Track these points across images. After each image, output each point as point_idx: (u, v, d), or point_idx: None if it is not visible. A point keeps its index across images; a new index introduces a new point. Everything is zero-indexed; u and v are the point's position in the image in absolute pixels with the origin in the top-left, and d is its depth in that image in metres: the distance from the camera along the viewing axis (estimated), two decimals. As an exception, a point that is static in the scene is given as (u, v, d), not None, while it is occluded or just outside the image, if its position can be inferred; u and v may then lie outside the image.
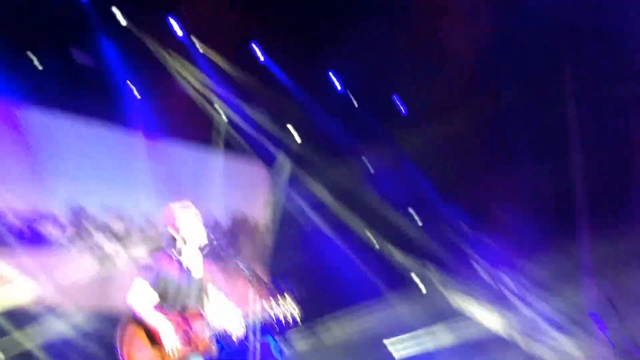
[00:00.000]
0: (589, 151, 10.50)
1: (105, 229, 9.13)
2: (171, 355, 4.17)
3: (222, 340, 4.47)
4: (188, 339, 4.26)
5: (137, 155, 9.27)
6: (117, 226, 9.27)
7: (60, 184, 8.52)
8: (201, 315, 4.38)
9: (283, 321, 4.58)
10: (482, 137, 10.42)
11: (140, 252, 9.19)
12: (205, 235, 4.49)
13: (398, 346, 10.51)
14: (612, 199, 10.34)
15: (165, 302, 4.29)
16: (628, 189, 10.27)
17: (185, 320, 4.30)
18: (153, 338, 4.21)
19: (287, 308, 4.51)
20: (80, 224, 8.87)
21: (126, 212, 9.28)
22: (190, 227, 4.43)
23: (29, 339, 7.43)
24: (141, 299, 4.23)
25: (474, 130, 10.11)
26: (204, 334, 4.31)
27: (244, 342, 7.08)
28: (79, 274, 8.41)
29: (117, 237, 9.25)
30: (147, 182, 9.19)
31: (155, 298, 4.27)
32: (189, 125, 9.77)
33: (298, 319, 4.53)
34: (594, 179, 10.39)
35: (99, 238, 9.03)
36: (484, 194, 11.21)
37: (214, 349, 4.35)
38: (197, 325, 4.32)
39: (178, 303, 4.32)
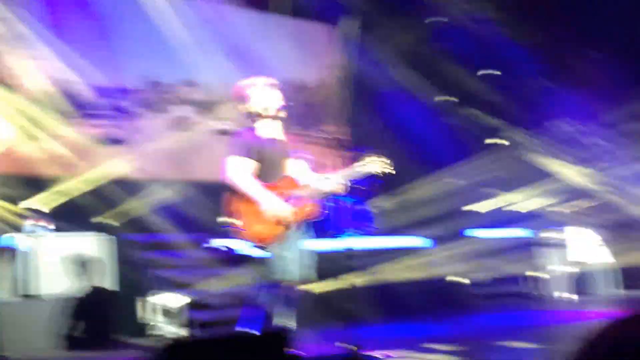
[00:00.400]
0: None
1: (185, 100, 9.28)
2: (290, 218, 4.24)
3: (320, 202, 4.46)
4: (296, 204, 4.29)
5: (205, 24, 9.10)
6: (196, 96, 9.39)
7: (135, 59, 8.64)
8: (295, 182, 4.41)
9: (375, 176, 4.56)
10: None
11: (222, 121, 9.22)
12: (281, 100, 4.46)
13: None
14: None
15: (260, 174, 4.32)
16: None
17: (282, 190, 4.32)
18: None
19: (376, 165, 4.47)
20: (159, 96, 9.08)
21: (201, 82, 9.31)
22: (263, 100, 4.42)
23: (136, 208, 7.84)
24: (241, 172, 4.26)
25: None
26: (303, 201, 4.33)
27: (336, 205, 7.36)
28: (166, 144, 8.69)
29: (197, 107, 9.36)
30: (218, 50, 9.06)
31: (252, 167, 4.30)
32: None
33: (390, 171, 4.49)
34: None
35: (180, 109, 9.20)
36: (559, 44, 10.82)
37: (318, 211, 4.39)
38: (295, 193, 4.34)
39: (271, 173, 4.34)
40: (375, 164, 4.48)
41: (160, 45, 8.72)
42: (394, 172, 4.54)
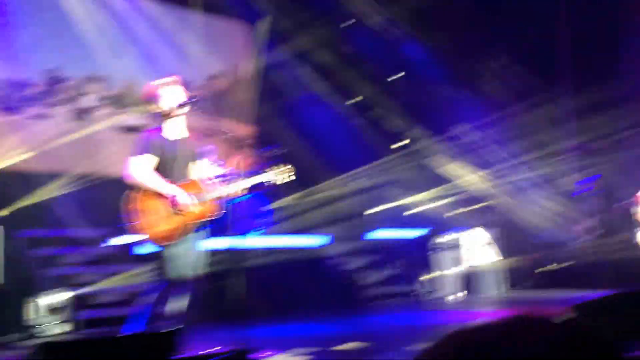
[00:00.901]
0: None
1: (88, 94, 9.09)
2: (195, 210, 4.29)
3: (220, 203, 4.53)
4: (196, 204, 4.33)
5: (116, 18, 9.04)
6: (100, 90, 9.23)
7: (38, 52, 8.40)
8: (195, 182, 4.45)
9: (273, 183, 4.69)
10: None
11: (128, 116, 9.16)
12: (188, 102, 4.49)
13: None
14: (597, 49, 10.48)
15: (165, 175, 4.35)
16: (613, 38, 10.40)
17: (187, 192, 4.35)
18: (165, 207, 4.29)
19: (279, 175, 4.58)
20: (62, 89, 8.82)
21: (108, 76, 9.16)
22: (172, 99, 4.45)
23: (26, 200, 7.61)
24: (142, 169, 4.31)
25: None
26: (204, 199, 4.37)
27: (236, 205, 7.37)
28: (65, 138, 8.45)
29: (102, 101, 9.20)
30: (128, 46, 9.02)
31: (155, 163, 4.35)
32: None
33: (290, 178, 4.62)
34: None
35: (83, 103, 9.02)
36: (463, 52, 11.26)
37: (217, 212, 4.44)
38: (199, 195, 4.38)
39: (176, 175, 4.38)
40: (278, 175, 4.58)
41: (66, 38, 8.54)
42: (294, 178, 4.62)
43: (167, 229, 4.27)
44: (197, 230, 4.44)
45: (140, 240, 4.49)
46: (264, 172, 4.63)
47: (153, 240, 4.31)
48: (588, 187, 9.67)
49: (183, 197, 4.28)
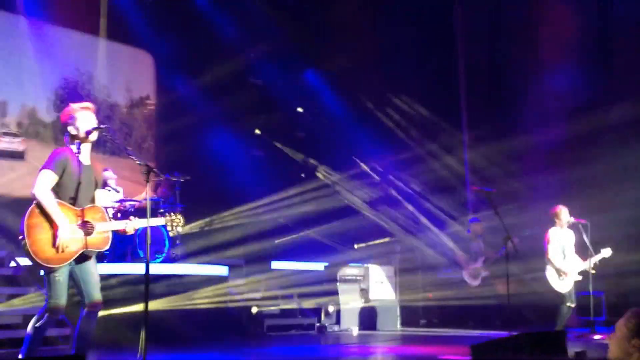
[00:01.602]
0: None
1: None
2: (59, 250, 4.32)
3: (116, 231, 4.67)
4: (87, 232, 4.41)
5: (21, 42, 9.07)
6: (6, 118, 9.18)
7: None
8: (98, 209, 4.55)
9: (170, 231, 4.91)
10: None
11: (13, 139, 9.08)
12: (99, 127, 4.65)
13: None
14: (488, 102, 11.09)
15: (65, 194, 4.45)
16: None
17: (83, 214, 4.45)
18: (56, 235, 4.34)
19: (168, 220, 4.79)
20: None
21: (10, 99, 9.16)
22: (88, 125, 4.58)
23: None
24: (45, 186, 4.38)
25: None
26: (101, 228, 4.48)
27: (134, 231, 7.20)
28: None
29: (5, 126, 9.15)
30: (32, 69, 9.07)
31: (56, 180, 4.43)
32: (75, 10, 9.63)
33: (179, 229, 4.82)
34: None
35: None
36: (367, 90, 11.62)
37: (108, 241, 4.54)
38: (94, 219, 4.49)
39: (81, 198, 4.49)
40: (169, 223, 4.79)
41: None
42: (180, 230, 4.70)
43: (56, 253, 4.31)
44: (88, 257, 4.49)
45: (31, 261, 4.38)
46: (157, 216, 4.99)
47: (43, 262, 4.31)
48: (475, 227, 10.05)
49: (64, 234, 4.32)
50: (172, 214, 4.83)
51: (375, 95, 11.76)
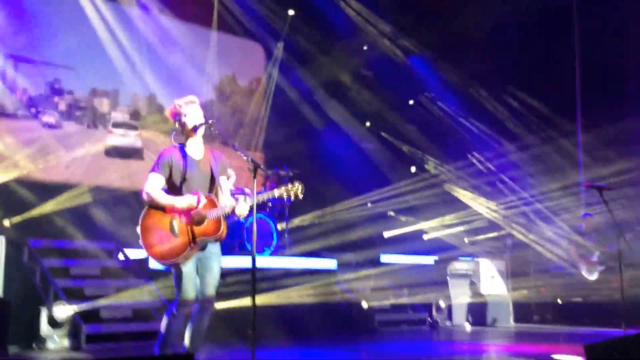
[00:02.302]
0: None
1: (100, 110, 9.19)
2: (205, 225, 4.32)
3: (229, 220, 4.55)
4: (198, 221, 4.36)
5: (137, 34, 9.18)
6: (118, 107, 9.34)
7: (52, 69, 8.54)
8: (212, 199, 4.48)
9: (285, 198, 4.66)
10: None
11: (139, 134, 9.25)
12: (206, 122, 4.57)
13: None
14: (608, 85, 10.52)
15: (174, 192, 4.43)
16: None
17: (203, 209, 4.39)
18: (171, 224, 4.35)
19: (288, 189, 4.55)
20: (77, 104, 8.92)
21: (126, 92, 9.31)
22: (195, 120, 4.54)
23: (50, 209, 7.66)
24: (156, 185, 4.40)
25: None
26: (214, 216, 4.39)
27: (243, 221, 7.37)
28: (82, 151, 8.54)
29: (116, 117, 9.30)
30: (149, 62, 9.16)
31: (166, 179, 4.44)
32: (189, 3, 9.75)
33: (300, 195, 4.56)
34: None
35: (97, 118, 9.11)
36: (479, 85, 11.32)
37: (220, 228, 4.41)
38: (208, 209, 4.41)
39: (190, 190, 4.44)
40: (289, 192, 4.55)
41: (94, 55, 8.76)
42: (302, 196, 4.62)
43: (176, 247, 4.29)
44: (207, 249, 4.45)
45: (148, 257, 4.45)
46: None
47: (162, 258, 4.32)
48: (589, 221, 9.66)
49: (183, 202, 4.33)
50: (288, 184, 4.59)
51: (488, 87, 11.47)
